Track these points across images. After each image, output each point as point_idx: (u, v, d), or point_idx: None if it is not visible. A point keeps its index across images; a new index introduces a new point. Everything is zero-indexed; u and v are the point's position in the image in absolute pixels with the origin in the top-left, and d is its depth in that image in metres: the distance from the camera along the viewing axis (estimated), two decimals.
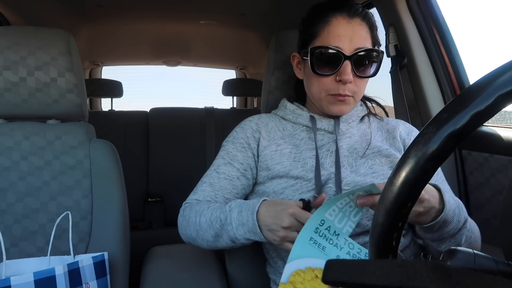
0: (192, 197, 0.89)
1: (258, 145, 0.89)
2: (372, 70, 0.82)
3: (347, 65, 0.79)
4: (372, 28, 0.83)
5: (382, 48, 0.88)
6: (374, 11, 1.40)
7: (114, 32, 2.22)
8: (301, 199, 0.70)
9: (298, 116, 0.90)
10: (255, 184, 0.90)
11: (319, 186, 0.81)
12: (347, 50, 0.79)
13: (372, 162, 0.86)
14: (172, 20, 2.08)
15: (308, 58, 0.82)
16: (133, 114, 2.33)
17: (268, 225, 0.69)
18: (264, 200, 0.73)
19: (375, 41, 0.84)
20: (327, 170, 0.84)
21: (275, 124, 0.92)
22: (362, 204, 0.63)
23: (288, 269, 0.63)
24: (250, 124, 0.92)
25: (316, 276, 0.62)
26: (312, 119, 0.88)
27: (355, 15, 0.81)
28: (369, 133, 0.89)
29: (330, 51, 0.79)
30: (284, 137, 0.89)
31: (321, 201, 0.67)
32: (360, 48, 0.79)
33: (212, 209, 0.80)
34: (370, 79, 0.88)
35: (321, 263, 0.63)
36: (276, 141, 0.88)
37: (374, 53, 0.81)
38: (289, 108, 0.92)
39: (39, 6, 1.73)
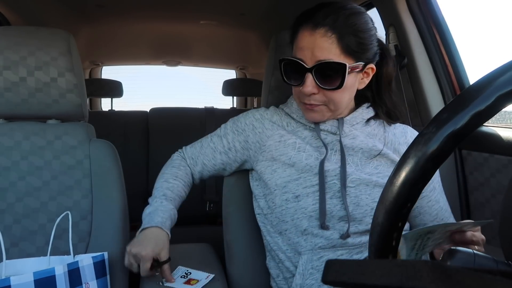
0: (187, 147, 1.03)
1: (259, 135, 0.91)
2: (337, 82, 0.78)
3: (308, 77, 0.79)
4: (342, 37, 0.77)
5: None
6: (374, 11, 1.40)
7: (114, 32, 2.22)
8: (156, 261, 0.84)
9: (302, 116, 0.90)
10: (259, 173, 0.91)
11: (323, 181, 0.82)
12: (309, 62, 0.79)
13: (378, 163, 0.87)
14: (172, 20, 2.08)
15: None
16: (133, 114, 2.33)
17: (134, 243, 0.85)
18: (158, 227, 0.87)
19: (348, 49, 0.78)
20: (333, 165, 0.84)
21: (279, 118, 0.93)
22: (457, 240, 0.62)
23: None
24: (254, 113, 0.95)
25: None
26: None
27: (319, 26, 0.77)
28: (374, 135, 0.89)
29: (293, 63, 0.81)
30: (287, 131, 0.91)
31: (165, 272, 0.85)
32: (320, 61, 0.77)
33: (165, 181, 0.96)
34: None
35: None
36: (279, 132, 0.90)
37: (336, 66, 0.77)
38: (294, 106, 0.93)
39: (39, 6, 1.73)
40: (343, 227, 0.82)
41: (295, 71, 0.82)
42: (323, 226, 0.81)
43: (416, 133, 0.95)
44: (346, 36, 0.77)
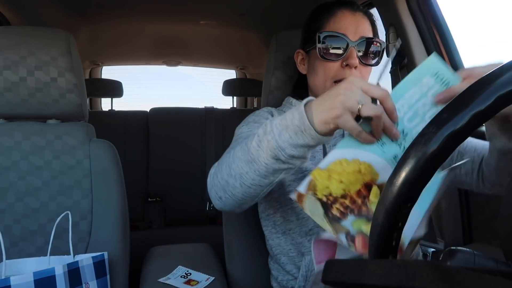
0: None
1: None
2: (375, 59, 0.85)
3: (353, 51, 0.82)
4: (373, 24, 0.88)
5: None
6: (374, 11, 1.40)
7: (114, 32, 2.22)
8: None
9: None
10: None
11: None
12: (353, 38, 0.83)
13: None
14: (172, 20, 2.08)
15: (316, 45, 0.84)
16: (133, 114, 2.33)
17: (320, 107, 0.56)
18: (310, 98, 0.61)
19: (375, 34, 0.89)
20: None
21: None
22: (441, 101, 0.55)
23: (332, 155, 0.55)
24: (265, 111, 0.92)
25: (359, 171, 0.55)
26: None
27: (358, 10, 0.86)
28: None
29: (337, 36, 0.83)
30: None
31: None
32: (364, 37, 0.83)
33: (249, 138, 0.67)
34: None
35: (372, 158, 0.55)
36: None
37: (377, 43, 0.85)
38: (294, 105, 0.93)
39: (39, 6, 1.73)
40: None
41: (336, 46, 0.83)
42: None
43: None
44: (373, 25, 0.88)
